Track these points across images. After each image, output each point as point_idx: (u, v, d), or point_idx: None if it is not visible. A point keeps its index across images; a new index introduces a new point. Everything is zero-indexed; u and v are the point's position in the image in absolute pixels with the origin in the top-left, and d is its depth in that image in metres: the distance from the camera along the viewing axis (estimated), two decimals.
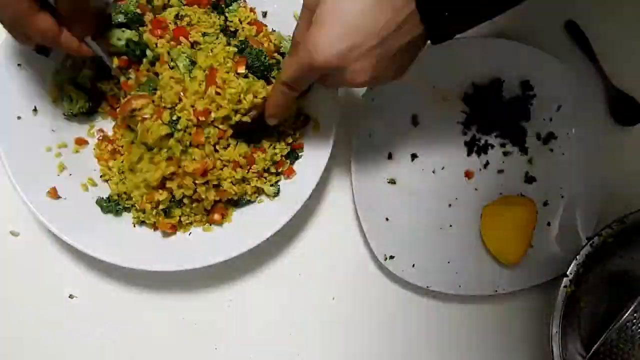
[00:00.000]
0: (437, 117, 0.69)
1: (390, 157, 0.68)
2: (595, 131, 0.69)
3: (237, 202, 0.62)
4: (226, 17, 0.63)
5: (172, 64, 0.59)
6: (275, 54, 0.62)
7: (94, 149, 0.64)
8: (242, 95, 0.57)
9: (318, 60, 0.46)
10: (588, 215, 0.68)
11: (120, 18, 0.59)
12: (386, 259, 0.65)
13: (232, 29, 0.63)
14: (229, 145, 0.59)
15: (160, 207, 0.59)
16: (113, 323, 0.65)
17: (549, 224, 0.69)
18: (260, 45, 0.61)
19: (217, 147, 0.59)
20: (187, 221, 0.61)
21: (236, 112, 0.58)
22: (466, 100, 0.69)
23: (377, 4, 0.43)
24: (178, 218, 0.61)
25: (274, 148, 0.62)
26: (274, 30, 0.64)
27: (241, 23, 0.63)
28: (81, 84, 0.62)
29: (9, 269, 0.65)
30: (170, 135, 0.57)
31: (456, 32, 0.47)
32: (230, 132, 0.59)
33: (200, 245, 0.61)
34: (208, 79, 0.57)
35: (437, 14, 0.44)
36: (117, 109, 0.60)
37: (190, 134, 0.57)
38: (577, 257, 0.62)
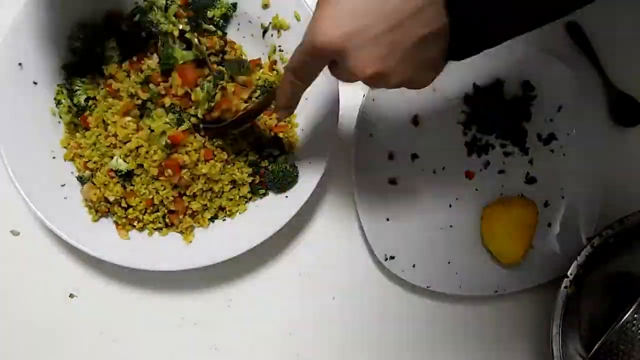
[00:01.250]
0: (438, 118, 0.69)
1: (390, 157, 0.68)
2: (595, 132, 0.69)
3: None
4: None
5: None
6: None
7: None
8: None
9: (320, 42, 0.40)
10: (588, 216, 0.68)
11: None
12: (386, 259, 0.65)
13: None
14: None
15: (152, 225, 0.61)
16: (113, 323, 0.65)
17: (549, 224, 0.69)
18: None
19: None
20: (187, 225, 0.61)
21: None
22: (467, 101, 0.69)
23: None
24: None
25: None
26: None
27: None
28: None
29: (9, 268, 0.65)
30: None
31: (485, 44, 0.42)
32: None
33: (200, 245, 0.61)
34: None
35: (467, 6, 0.38)
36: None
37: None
38: (578, 257, 0.62)
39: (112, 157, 0.59)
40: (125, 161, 0.59)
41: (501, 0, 0.39)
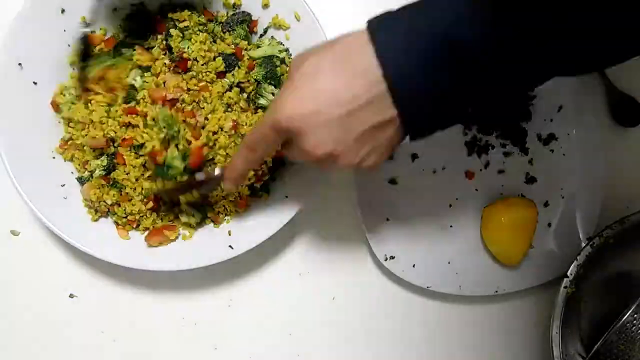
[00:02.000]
0: None
1: (390, 157, 0.68)
2: (595, 132, 0.69)
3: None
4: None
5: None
6: None
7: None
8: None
9: (279, 119, 0.43)
10: (588, 216, 0.68)
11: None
12: (386, 259, 0.65)
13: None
14: None
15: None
16: (113, 323, 0.65)
17: (549, 224, 0.69)
18: None
19: None
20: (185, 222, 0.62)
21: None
22: None
23: (351, 75, 0.42)
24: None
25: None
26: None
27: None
28: None
29: (9, 268, 0.65)
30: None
31: (436, 127, 0.45)
32: None
33: (200, 245, 0.61)
34: None
35: (412, 102, 0.42)
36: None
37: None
38: (578, 257, 0.62)
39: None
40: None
41: (444, 99, 0.43)
